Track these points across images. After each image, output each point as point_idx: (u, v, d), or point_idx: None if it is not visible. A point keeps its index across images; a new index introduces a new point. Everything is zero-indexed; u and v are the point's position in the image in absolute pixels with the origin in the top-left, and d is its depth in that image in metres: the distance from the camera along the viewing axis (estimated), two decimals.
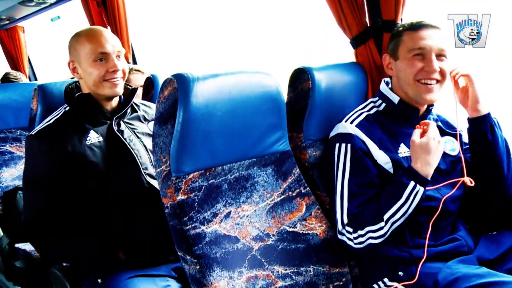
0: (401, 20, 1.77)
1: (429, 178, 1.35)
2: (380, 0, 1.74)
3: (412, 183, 1.34)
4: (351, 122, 1.48)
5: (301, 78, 1.57)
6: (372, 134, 1.45)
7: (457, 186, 1.42)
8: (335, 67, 1.71)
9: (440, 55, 1.42)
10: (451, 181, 1.42)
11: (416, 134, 1.37)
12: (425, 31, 1.42)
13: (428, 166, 1.35)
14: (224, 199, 1.32)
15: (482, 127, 1.47)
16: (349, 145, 1.43)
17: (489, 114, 1.48)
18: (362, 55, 1.83)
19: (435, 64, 1.40)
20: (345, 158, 1.44)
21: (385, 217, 1.35)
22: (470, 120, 1.50)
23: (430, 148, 1.33)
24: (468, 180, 1.41)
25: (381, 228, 1.36)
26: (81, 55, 1.54)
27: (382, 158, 1.43)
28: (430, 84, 1.42)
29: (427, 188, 1.36)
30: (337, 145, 1.46)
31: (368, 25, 1.84)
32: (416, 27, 1.43)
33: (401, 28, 1.47)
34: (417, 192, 1.34)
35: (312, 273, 1.40)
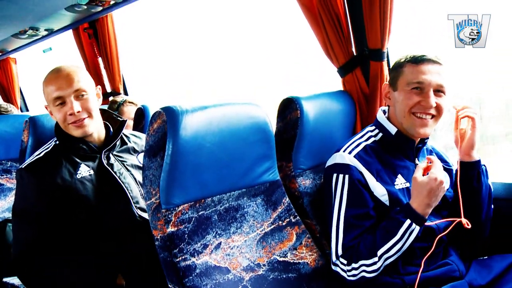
0: (387, 49, 1.80)
1: (426, 218, 1.34)
2: (366, 29, 1.78)
3: (408, 222, 1.33)
4: (350, 153, 1.46)
5: (289, 108, 1.59)
6: (370, 165, 1.45)
7: (452, 226, 1.41)
8: (323, 96, 1.73)
9: (438, 91, 1.42)
10: (448, 219, 1.42)
11: (418, 170, 1.35)
12: (426, 65, 1.42)
13: (425, 206, 1.33)
14: (214, 230, 1.31)
15: (470, 173, 1.49)
16: (347, 176, 1.43)
17: (479, 161, 1.49)
18: (349, 83, 1.87)
19: (432, 100, 1.40)
20: (342, 189, 1.43)
21: (379, 252, 1.35)
22: (460, 163, 1.50)
23: (431, 189, 1.31)
24: (465, 222, 1.39)
25: (375, 263, 1.35)
26: (46, 99, 1.56)
27: (379, 190, 1.43)
28: (425, 119, 1.43)
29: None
30: (335, 175, 1.45)
31: (355, 54, 1.87)
32: (418, 60, 1.43)
33: (403, 60, 1.47)
34: (412, 231, 1.33)
35: None
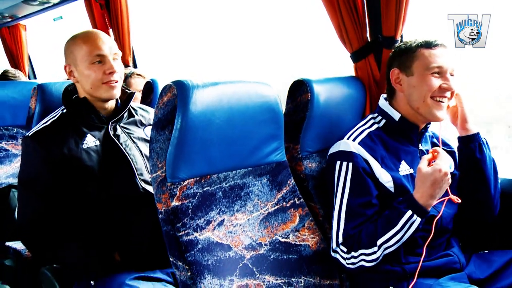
0: (401, 37, 1.78)
1: (428, 210, 1.33)
2: (382, 16, 1.75)
3: (409, 212, 1.33)
4: (354, 140, 1.46)
5: (300, 90, 1.58)
6: (374, 152, 1.44)
7: (444, 205, 1.42)
8: (335, 80, 1.72)
9: (451, 74, 1.44)
10: (438, 201, 1.41)
11: (423, 161, 1.35)
12: (440, 49, 1.43)
13: (429, 197, 1.32)
14: (218, 207, 1.32)
15: (471, 145, 1.50)
16: (350, 164, 1.42)
17: (478, 133, 1.51)
18: (361, 69, 1.85)
19: (452, 83, 1.42)
20: (346, 177, 1.42)
21: (379, 242, 1.35)
22: (459, 139, 1.53)
23: (435, 180, 1.30)
24: (454, 198, 1.41)
25: (374, 252, 1.36)
26: (77, 58, 1.53)
27: (384, 176, 1.43)
28: (443, 102, 1.44)
29: None
30: (338, 163, 1.44)
31: (369, 40, 1.85)
32: (433, 45, 1.43)
33: (413, 44, 1.46)
34: (413, 222, 1.33)
35: (302, 284, 1.40)
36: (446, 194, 1.41)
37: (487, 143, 1.53)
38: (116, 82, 1.56)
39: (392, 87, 1.52)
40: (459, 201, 1.41)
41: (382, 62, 1.81)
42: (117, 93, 1.58)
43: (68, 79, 1.64)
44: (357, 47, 1.83)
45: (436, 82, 1.42)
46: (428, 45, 1.44)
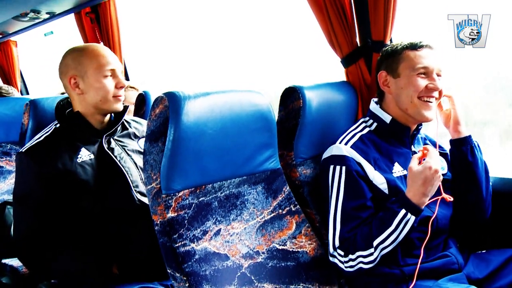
0: (390, 40, 1.80)
1: (422, 207, 1.34)
2: (370, 21, 1.77)
3: (403, 211, 1.33)
4: (346, 143, 1.47)
5: (292, 97, 1.59)
6: (367, 155, 1.45)
7: (437, 204, 1.43)
8: (326, 86, 1.73)
9: (438, 75, 1.45)
10: (431, 200, 1.41)
11: (414, 160, 1.35)
12: (426, 50, 1.45)
13: (421, 195, 1.32)
14: (214, 216, 1.32)
15: (463, 148, 1.51)
16: (343, 168, 1.43)
17: (469, 136, 1.52)
18: (352, 74, 1.86)
19: (439, 82, 1.43)
20: (339, 181, 1.43)
21: (375, 243, 1.35)
22: (451, 142, 1.54)
23: (426, 178, 1.31)
24: (447, 197, 1.41)
25: (371, 254, 1.36)
26: (88, 70, 1.53)
27: (377, 179, 1.43)
28: (431, 102, 1.45)
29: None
30: (332, 167, 1.45)
31: (359, 45, 1.86)
32: (418, 46, 1.45)
33: (399, 47, 1.48)
34: (407, 221, 1.33)
35: None
36: (439, 193, 1.42)
37: (478, 146, 1.54)
38: (123, 95, 1.60)
39: (381, 90, 1.53)
40: (451, 199, 1.42)
41: (373, 66, 1.82)
42: (121, 107, 1.61)
43: (62, 93, 1.64)
44: (347, 52, 1.85)
45: (422, 82, 1.43)
46: (413, 46, 1.46)
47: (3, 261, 2.07)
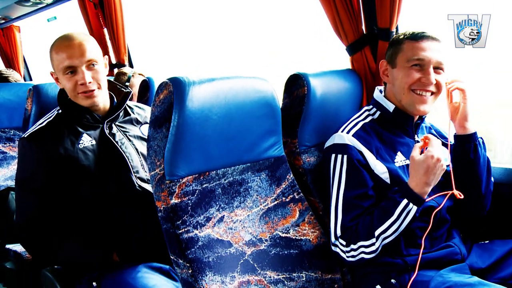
0: (396, 28, 1.78)
1: (424, 197, 1.33)
2: (376, 8, 1.75)
3: (404, 201, 1.32)
4: (348, 132, 1.46)
5: (296, 84, 1.58)
6: (369, 143, 1.44)
7: (446, 199, 1.42)
8: (331, 74, 1.71)
9: (437, 68, 1.42)
10: (440, 193, 1.41)
11: (416, 149, 1.34)
12: (426, 42, 1.42)
13: (423, 185, 1.31)
14: (217, 203, 1.31)
15: (466, 145, 1.48)
16: (345, 156, 1.42)
17: (475, 133, 1.49)
18: (357, 62, 1.84)
19: (432, 77, 1.40)
20: (341, 170, 1.42)
21: (376, 233, 1.35)
22: (455, 137, 1.51)
23: (428, 167, 1.30)
24: (457, 193, 1.40)
25: (373, 244, 1.36)
26: (55, 66, 1.54)
27: (379, 168, 1.42)
28: (425, 96, 1.42)
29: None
30: (333, 156, 1.44)
31: (365, 32, 1.85)
32: (418, 37, 1.42)
33: (401, 36, 1.46)
34: (409, 211, 1.32)
35: (304, 279, 1.40)
36: (450, 188, 1.41)
37: (483, 144, 1.51)
38: (93, 91, 1.53)
39: (383, 78, 1.53)
40: (462, 196, 1.40)
41: (378, 54, 1.80)
42: (98, 100, 1.56)
43: None
44: (352, 40, 1.83)
45: (415, 74, 1.42)
46: (414, 37, 1.43)
47: (7, 246, 2.09)
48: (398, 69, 1.46)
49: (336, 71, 1.78)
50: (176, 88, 1.21)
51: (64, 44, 1.51)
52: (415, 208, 1.33)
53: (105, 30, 3.14)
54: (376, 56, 1.83)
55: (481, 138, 1.51)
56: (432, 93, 1.43)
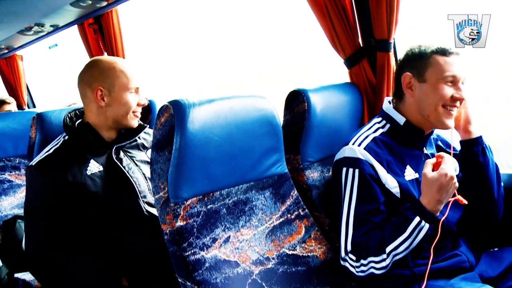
0: (394, 39, 1.79)
1: (437, 215, 1.31)
2: (372, 20, 1.76)
3: (417, 219, 1.31)
4: (359, 145, 1.43)
5: (296, 100, 1.58)
6: (380, 157, 1.42)
7: (449, 206, 1.40)
8: (330, 88, 1.72)
9: (462, 83, 1.42)
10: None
11: (428, 166, 1.32)
12: (455, 57, 1.41)
13: (436, 202, 1.30)
14: (223, 223, 1.31)
15: (474, 149, 1.48)
16: (357, 171, 1.40)
17: (480, 137, 1.49)
18: (356, 75, 1.85)
19: (464, 93, 1.40)
20: (353, 184, 1.40)
21: (388, 249, 1.33)
22: (462, 143, 1.50)
23: (441, 185, 1.28)
24: (461, 199, 1.38)
25: (383, 260, 1.34)
26: (115, 84, 1.55)
27: (390, 182, 1.41)
28: (453, 111, 1.42)
29: None
30: (345, 169, 1.42)
31: (361, 45, 1.86)
32: (448, 52, 1.41)
33: (428, 50, 1.43)
34: (421, 228, 1.31)
35: None
36: (452, 195, 1.40)
37: (489, 148, 1.51)
38: (139, 113, 1.62)
39: (401, 90, 1.49)
40: (466, 202, 1.39)
41: (377, 66, 1.81)
42: (137, 123, 1.64)
43: (70, 105, 1.65)
44: (350, 53, 1.84)
45: (449, 91, 1.40)
46: (444, 52, 1.41)
47: (16, 275, 2.09)
48: (428, 85, 1.42)
49: (336, 85, 1.79)
50: (176, 111, 1.22)
51: (128, 66, 1.59)
52: (427, 225, 1.31)
53: (105, 54, 3.18)
54: (375, 68, 1.83)
55: (487, 142, 1.50)
56: (456, 108, 1.43)
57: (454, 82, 1.40)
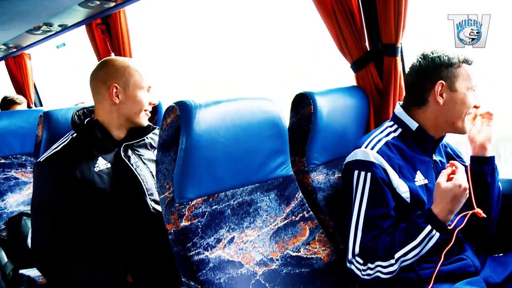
0: (401, 43, 1.79)
1: (446, 224, 1.32)
2: (380, 24, 1.76)
3: (428, 228, 1.32)
4: (372, 148, 1.43)
5: (303, 103, 1.59)
6: (392, 161, 1.42)
7: (467, 218, 1.40)
8: (337, 91, 1.72)
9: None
10: (462, 214, 1.40)
11: (443, 176, 1.33)
12: (474, 66, 1.44)
13: (448, 212, 1.31)
14: (227, 224, 1.32)
15: (485, 167, 1.49)
16: (369, 174, 1.40)
17: (493, 157, 1.49)
18: (363, 79, 1.85)
19: (479, 100, 1.43)
20: (364, 187, 1.40)
21: (396, 255, 1.34)
22: (474, 158, 1.50)
23: (455, 195, 1.30)
24: (480, 212, 1.39)
25: (391, 265, 1.34)
26: (130, 82, 1.58)
27: (401, 187, 1.41)
28: (469, 115, 1.45)
29: None
30: (356, 172, 1.42)
31: (368, 49, 1.86)
32: (471, 62, 1.44)
33: (455, 59, 1.43)
34: (432, 236, 1.32)
35: None
36: (471, 207, 1.40)
37: (497, 168, 1.52)
38: (149, 112, 1.65)
39: (424, 97, 1.46)
40: (485, 215, 1.39)
41: (385, 70, 1.81)
42: (147, 122, 1.66)
43: (77, 104, 1.66)
44: (357, 57, 1.84)
45: (474, 100, 1.44)
46: (468, 61, 1.44)
47: (20, 271, 2.10)
48: (458, 94, 1.43)
49: (342, 88, 1.79)
50: (182, 112, 1.23)
51: (140, 65, 1.62)
52: (438, 234, 1.32)
53: (113, 54, 3.19)
54: (382, 72, 1.83)
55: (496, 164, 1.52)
56: None
57: (475, 90, 1.44)
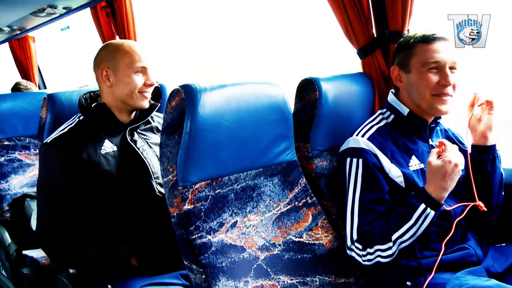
0: (408, 31, 1.77)
1: (441, 202, 1.33)
2: (387, 11, 1.74)
3: (422, 206, 1.32)
4: (363, 136, 1.45)
5: (308, 89, 1.58)
6: (384, 147, 1.44)
7: (467, 210, 1.40)
8: (342, 78, 1.71)
9: (452, 68, 1.41)
10: (462, 204, 1.40)
11: (433, 154, 1.34)
12: (438, 43, 1.41)
13: (441, 190, 1.32)
14: (230, 208, 1.32)
15: (485, 156, 1.48)
16: (361, 160, 1.42)
17: (494, 145, 1.48)
18: (369, 65, 1.84)
19: (451, 78, 1.39)
20: (357, 174, 1.42)
21: (394, 237, 1.34)
22: (474, 147, 1.50)
23: (445, 172, 1.30)
24: (481, 205, 1.39)
25: (390, 248, 1.35)
26: (120, 64, 1.57)
27: (394, 172, 1.42)
28: (445, 97, 1.41)
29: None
30: (349, 160, 1.44)
31: (375, 35, 1.84)
32: (430, 39, 1.41)
33: (411, 40, 1.45)
34: (427, 215, 1.32)
35: (318, 283, 1.40)
36: (473, 199, 1.41)
37: (499, 156, 1.51)
38: (149, 93, 1.63)
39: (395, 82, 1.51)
40: (485, 209, 1.40)
41: (390, 57, 1.80)
42: (147, 104, 1.63)
43: (81, 87, 1.66)
44: (363, 43, 1.83)
45: (433, 78, 1.40)
46: (425, 39, 1.42)
47: (24, 252, 2.12)
48: (413, 74, 1.44)
49: (348, 75, 1.78)
50: (187, 95, 1.22)
51: (135, 47, 1.60)
52: (432, 212, 1.32)
53: (117, 37, 3.18)
54: (388, 59, 1.82)
55: (498, 151, 1.50)
56: (450, 95, 1.42)
57: (438, 68, 1.40)
